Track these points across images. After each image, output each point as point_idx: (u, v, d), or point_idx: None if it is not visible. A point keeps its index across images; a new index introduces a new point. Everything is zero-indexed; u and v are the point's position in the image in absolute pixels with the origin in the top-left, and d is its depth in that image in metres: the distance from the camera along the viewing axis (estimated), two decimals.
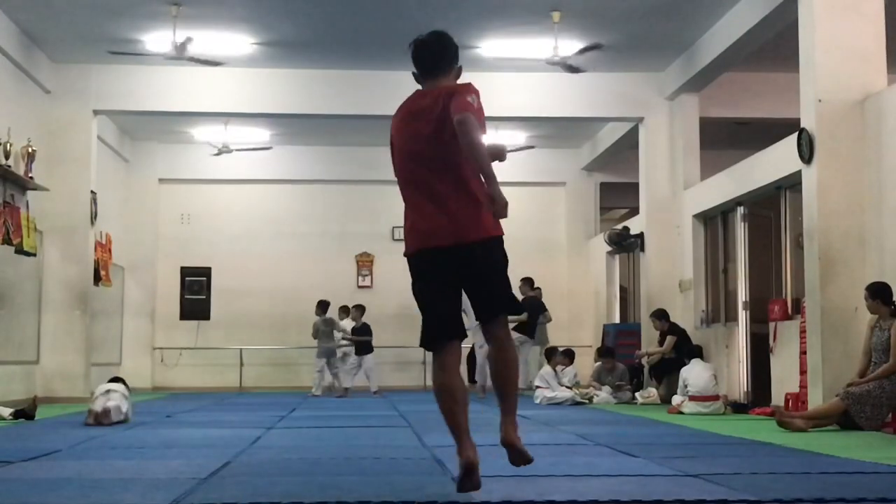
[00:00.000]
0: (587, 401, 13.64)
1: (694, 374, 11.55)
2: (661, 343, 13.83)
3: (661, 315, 13.92)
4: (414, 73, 4.98)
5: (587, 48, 12.57)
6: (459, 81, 4.93)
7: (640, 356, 14.37)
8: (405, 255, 4.77)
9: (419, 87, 4.98)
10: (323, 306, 16.50)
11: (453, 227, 4.58)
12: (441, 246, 4.59)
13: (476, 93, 4.73)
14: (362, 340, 16.48)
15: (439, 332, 4.65)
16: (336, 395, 16.24)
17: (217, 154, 17.81)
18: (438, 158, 4.64)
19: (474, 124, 4.50)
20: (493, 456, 6.18)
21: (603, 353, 14.99)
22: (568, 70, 13.09)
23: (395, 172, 4.85)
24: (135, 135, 19.02)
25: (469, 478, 4.47)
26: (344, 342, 16.66)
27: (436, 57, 4.91)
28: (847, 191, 9.85)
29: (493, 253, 4.67)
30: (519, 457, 4.76)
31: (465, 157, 4.55)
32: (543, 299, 16.66)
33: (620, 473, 5.38)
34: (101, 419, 8.96)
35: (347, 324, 16.74)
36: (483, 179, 4.49)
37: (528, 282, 16.24)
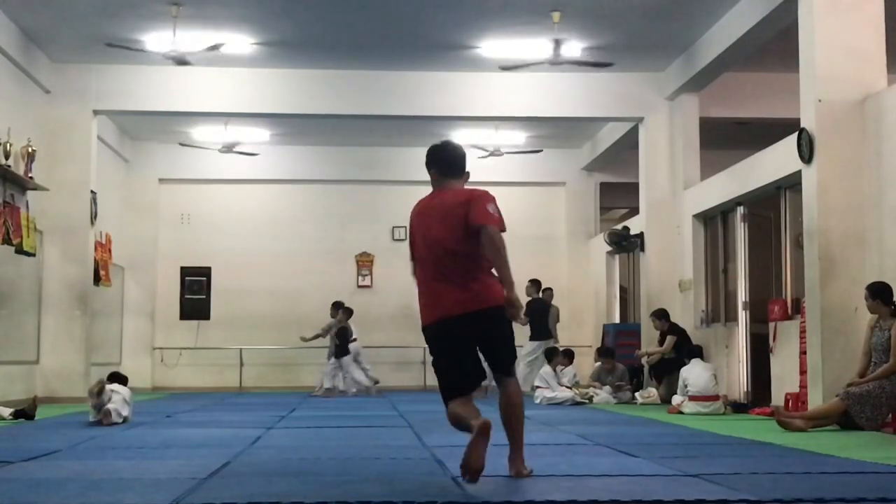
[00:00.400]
0: (587, 401, 13.64)
1: (694, 374, 11.55)
2: (661, 343, 13.83)
3: (661, 315, 13.92)
4: (431, 172, 5.63)
5: (597, 63, 12.70)
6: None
7: (641, 356, 14.37)
8: (423, 328, 5.38)
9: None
10: (338, 307, 16.62)
11: (470, 298, 5.24)
12: (456, 314, 5.23)
13: (493, 200, 5.41)
14: (340, 344, 16.46)
15: (460, 390, 5.26)
16: (318, 394, 16.24)
17: (226, 151, 17.78)
18: (453, 254, 5.29)
19: (498, 237, 5.25)
20: (494, 456, 6.19)
21: (603, 353, 14.99)
22: (598, 66, 13.12)
23: (411, 256, 5.53)
24: (134, 134, 19.02)
25: (482, 437, 4.85)
26: (357, 343, 16.67)
27: (451, 163, 5.61)
28: (847, 191, 9.85)
29: (503, 319, 5.30)
30: (524, 476, 5.22)
31: (487, 257, 5.28)
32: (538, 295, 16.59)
33: (620, 473, 5.38)
34: (102, 420, 8.96)
35: (331, 322, 16.77)
36: (503, 284, 5.22)
37: (535, 284, 16.23)
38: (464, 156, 5.68)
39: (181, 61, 12.71)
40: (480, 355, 5.38)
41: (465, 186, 5.57)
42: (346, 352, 16.49)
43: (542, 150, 18.84)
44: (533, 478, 5.13)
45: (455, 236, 5.28)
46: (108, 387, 9.33)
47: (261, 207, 20.18)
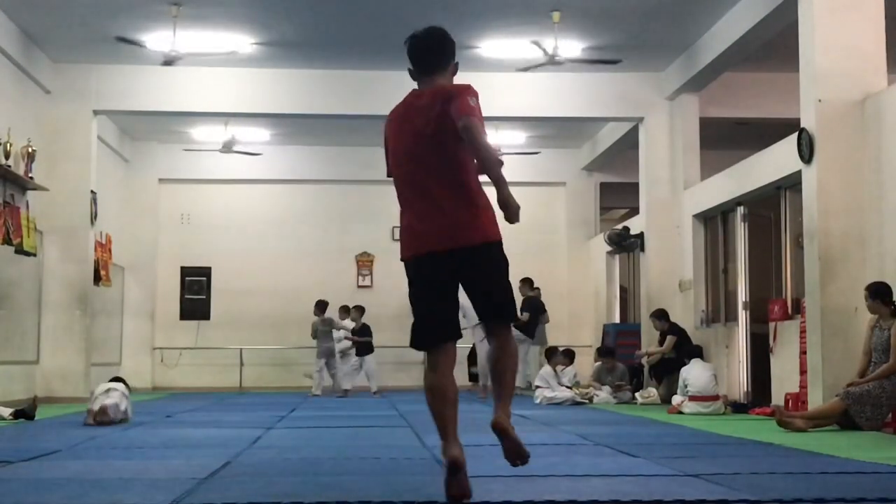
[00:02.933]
0: (587, 401, 13.64)
1: (694, 374, 11.54)
2: (661, 343, 13.83)
3: (660, 315, 13.92)
4: (410, 70, 4.91)
5: (608, 60, 12.68)
6: (456, 80, 4.85)
7: (640, 356, 14.37)
8: (402, 259, 4.68)
9: (416, 85, 4.91)
10: (321, 306, 16.52)
11: (451, 231, 4.50)
12: (438, 251, 4.51)
13: (476, 94, 4.62)
14: (363, 341, 16.50)
15: (433, 333, 4.57)
16: (336, 395, 16.23)
17: (226, 151, 17.77)
18: (436, 159, 4.57)
19: (480, 129, 4.46)
20: (493, 456, 6.18)
21: (603, 353, 14.99)
22: (608, 62, 13.09)
23: (388, 172, 4.81)
24: (134, 134, 19.03)
25: (454, 476, 4.31)
26: (346, 341, 16.68)
27: (434, 54, 4.83)
28: (847, 191, 9.85)
29: (494, 257, 4.61)
30: (513, 448, 4.60)
31: (472, 159, 4.55)
32: (543, 299, 16.66)
33: (620, 473, 5.38)
34: (100, 418, 8.95)
35: (348, 324, 16.76)
36: (492, 183, 4.52)
37: (527, 282, 16.25)
38: (447, 42, 4.84)
39: (168, 61, 12.71)
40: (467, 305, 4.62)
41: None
42: (370, 349, 16.55)
43: (539, 152, 18.83)
44: (533, 478, 5.13)
45: (434, 142, 4.52)
46: (106, 386, 9.35)
47: (261, 207, 20.17)
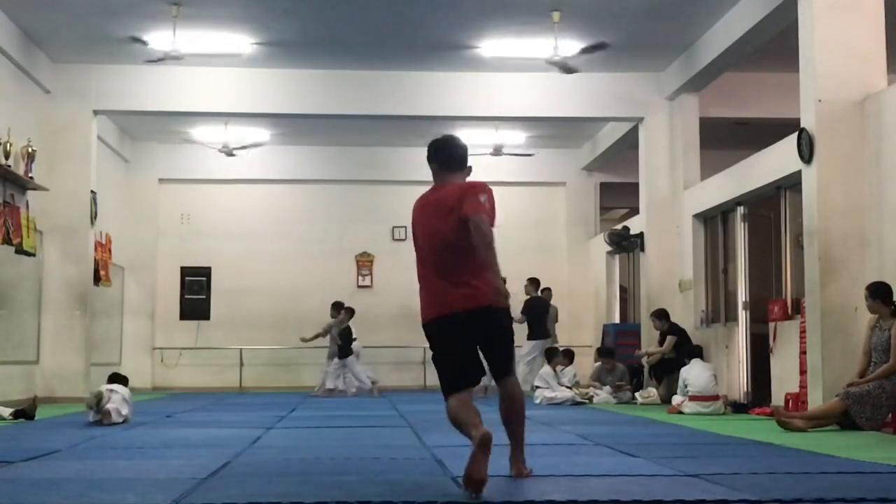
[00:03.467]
0: (587, 401, 13.64)
1: (694, 374, 11.54)
2: (661, 343, 13.82)
3: (661, 315, 13.91)
4: (432, 167, 5.59)
5: (593, 47, 12.54)
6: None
7: (640, 356, 14.37)
8: (424, 324, 5.29)
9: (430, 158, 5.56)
10: (338, 308, 16.63)
11: (472, 296, 5.16)
12: (459, 311, 5.16)
13: (488, 192, 5.27)
14: (340, 345, 16.45)
15: (463, 383, 5.18)
16: (318, 394, 16.24)
17: (230, 154, 17.77)
18: (459, 245, 5.20)
19: (485, 225, 5.15)
20: (493, 456, 6.18)
21: (603, 353, 14.98)
22: (564, 71, 13.04)
23: (416, 252, 5.42)
24: (134, 134, 19.03)
25: (484, 451, 4.66)
26: (310, 337, 16.71)
27: (453, 155, 5.55)
28: (847, 191, 9.85)
29: (505, 319, 5.35)
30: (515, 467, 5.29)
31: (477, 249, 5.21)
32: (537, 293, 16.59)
33: (620, 473, 5.38)
34: (105, 420, 8.97)
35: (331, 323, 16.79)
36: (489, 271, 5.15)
37: (534, 282, 16.23)
38: (464, 149, 5.60)
39: (160, 59, 12.72)
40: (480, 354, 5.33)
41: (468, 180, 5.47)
42: (349, 352, 16.49)
43: (534, 154, 18.83)
44: (533, 478, 5.13)
45: (452, 229, 5.20)
46: (108, 387, 9.33)
47: (261, 207, 20.18)
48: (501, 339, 5.32)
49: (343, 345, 16.45)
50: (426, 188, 5.67)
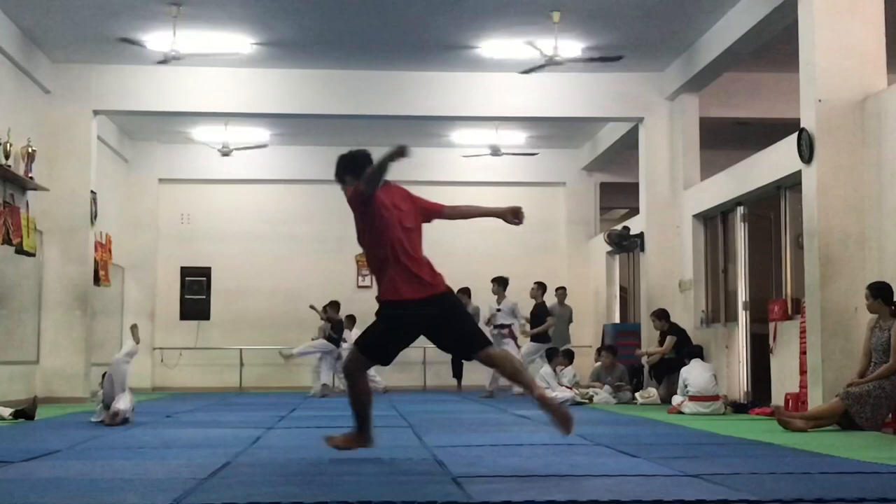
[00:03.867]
0: (587, 401, 13.64)
1: (694, 374, 11.54)
2: (661, 343, 13.82)
3: (661, 315, 13.91)
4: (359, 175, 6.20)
5: (607, 58, 12.66)
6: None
7: (641, 355, 14.38)
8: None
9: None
10: (335, 307, 16.65)
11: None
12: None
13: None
14: (333, 337, 16.49)
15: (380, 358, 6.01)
16: (317, 395, 16.23)
17: (226, 154, 17.77)
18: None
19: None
20: (494, 456, 6.18)
21: (604, 348, 14.94)
22: (609, 60, 13.08)
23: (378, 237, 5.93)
24: (134, 134, 19.03)
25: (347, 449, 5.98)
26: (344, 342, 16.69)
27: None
28: (847, 191, 9.85)
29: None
30: (559, 414, 5.61)
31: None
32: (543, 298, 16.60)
33: (620, 473, 5.37)
34: (110, 421, 8.97)
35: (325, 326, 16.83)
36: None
37: (541, 287, 16.21)
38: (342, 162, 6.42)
39: (164, 60, 12.73)
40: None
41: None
42: (338, 343, 16.49)
43: (537, 153, 18.84)
44: (533, 478, 5.13)
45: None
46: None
47: (261, 207, 20.17)
48: (465, 317, 6.06)
49: (335, 336, 16.46)
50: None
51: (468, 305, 16.70)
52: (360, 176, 6.00)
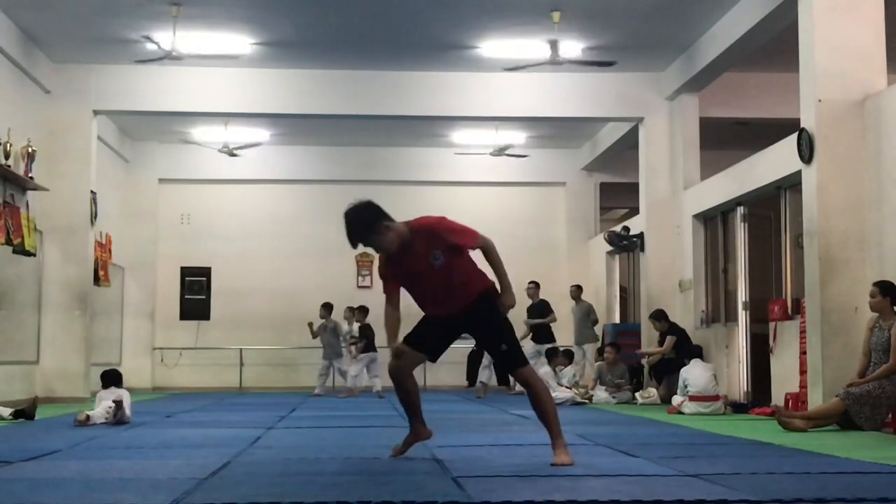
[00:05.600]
0: (587, 401, 13.64)
1: (694, 375, 11.53)
2: (660, 343, 13.82)
3: (659, 316, 13.91)
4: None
5: (601, 62, 12.64)
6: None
7: (641, 355, 14.37)
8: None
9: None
10: (328, 308, 16.61)
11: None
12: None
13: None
14: (363, 342, 16.44)
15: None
16: (342, 394, 16.20)
17: (232, 155, 17.78)
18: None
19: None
20: (494, 456, 6.18)
21: (608, 344, 14.92)
22: (603, 65, 13.08)
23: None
24: (134, 134, 19.03)
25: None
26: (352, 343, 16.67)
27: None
28: (847, 191, 9.85)
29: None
30: (558, 457, 5.68)
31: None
32: (542, 298, 16.61)
33: (620, 473, 5.37)
34: (112, 419, 9.02)
35: (345, 327, 16.74)
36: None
37: (536, 286, 16.24)
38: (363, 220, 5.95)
39: (153, 59, 12.75)
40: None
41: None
42: (370, 348, 16.42)
43: (528, 156, 18.81)
44: (533, 478, 5.13)
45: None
46: (110, 401, 9.33)
47: (261, 207, 20.18)
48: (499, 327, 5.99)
49: (369, 343, 16.37)
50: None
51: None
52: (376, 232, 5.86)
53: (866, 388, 8.54)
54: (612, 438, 7.56)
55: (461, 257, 5.95)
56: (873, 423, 8.47)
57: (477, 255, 6.01)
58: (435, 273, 5.85)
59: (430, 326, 6.03)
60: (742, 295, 13.08)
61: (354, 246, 5.93)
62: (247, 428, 8.84)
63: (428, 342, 6.03)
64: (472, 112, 15.60)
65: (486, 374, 15.43)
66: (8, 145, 12.50)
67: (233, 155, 17.82)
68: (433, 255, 5.84)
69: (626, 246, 16.48)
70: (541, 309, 16.02)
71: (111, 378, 9.64)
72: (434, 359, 6.11)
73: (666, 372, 13.45)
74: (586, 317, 16.61)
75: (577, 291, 16.97)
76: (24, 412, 10.05)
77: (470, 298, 5.88)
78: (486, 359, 15.61)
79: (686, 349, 12.70)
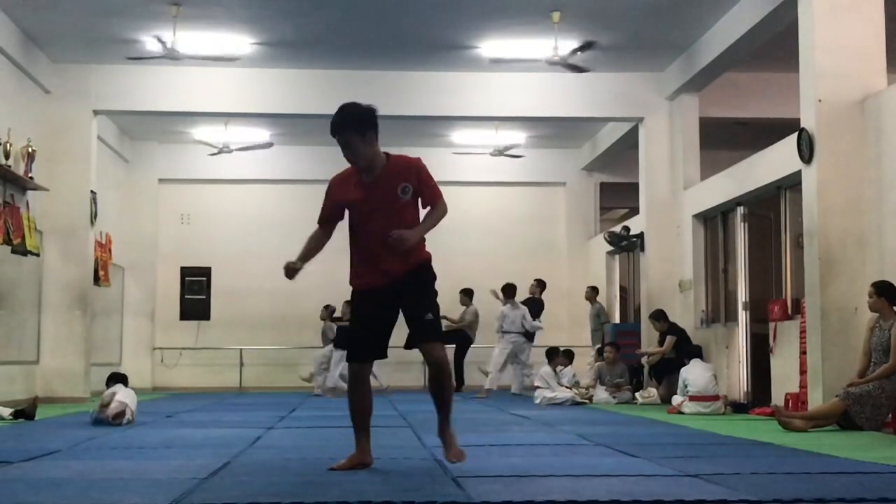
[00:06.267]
0: (587, 401, 13.64)
1: (694, 375, 11.53)
2: (660, 343, 13.82)
3: (659, 316, 13.91)
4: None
5: (582, 47, 12.55)
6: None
7: (641, 355, 14.37)
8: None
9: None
10: (331, 311, 16.66)
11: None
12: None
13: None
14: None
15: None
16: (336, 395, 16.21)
17: (216, 153, 17.80)
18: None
19: None
20: (494, 456, 6.18)
21: (608, 343, 14.92)
22: (573, 70, 13.07)
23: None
24: (134, 134, 19.03)
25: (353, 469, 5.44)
26: None
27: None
28: (847, 191, 9.85)
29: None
30: (450, 450, 5.56)
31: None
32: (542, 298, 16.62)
33: (620, 473, 5.37)
34: (117, 420, 9.00)
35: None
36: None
37: (540, 284, 16.25)
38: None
39: (153, 59, 12.75)
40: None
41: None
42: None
43: (523, 156, 18.81)
44: (533, 478, 5.13)
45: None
46: (119, 398, 9.33)
47: (261, 207, 20.17)
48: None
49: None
50: None
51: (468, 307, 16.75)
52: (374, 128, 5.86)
53: (866, 388, 8.55)
54: (612, 438, 7.56)
55: (415, 209, 5.64)
56: (873, 423, 8.47)
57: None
58: (393, 213, 5.53)
59: (367, 318, 5.59)
60: (742, 295, 13.08)
61: (336, 133, 5.84)
62: (247, 428, 8.84)
63: (372, 343, 5.58)
64: (472, 112, 15.60)
65: (493, 380, 15.51)
66: (8, 145, 12.50)
67: (216, 154, 17.79)
68: (403, 189, 5.59)
69: (626, 246, 16.47)
70: (535, 309, 16.01)
71: (117, 378, 9.66)
72: (385, 355, 5.65)
73: (666, 372, 13.44)
74: (596, 318, 16.63)
75: (591, 293, 16.98)
76: (25, 412, 10.06)
77: (414, 261, 5.52)
78: (493, 366, 15.66)
79: (686, 349, 12.71)
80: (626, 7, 12.37)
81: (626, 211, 21.82)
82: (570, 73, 14.50)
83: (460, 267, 18.30)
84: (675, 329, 13.76)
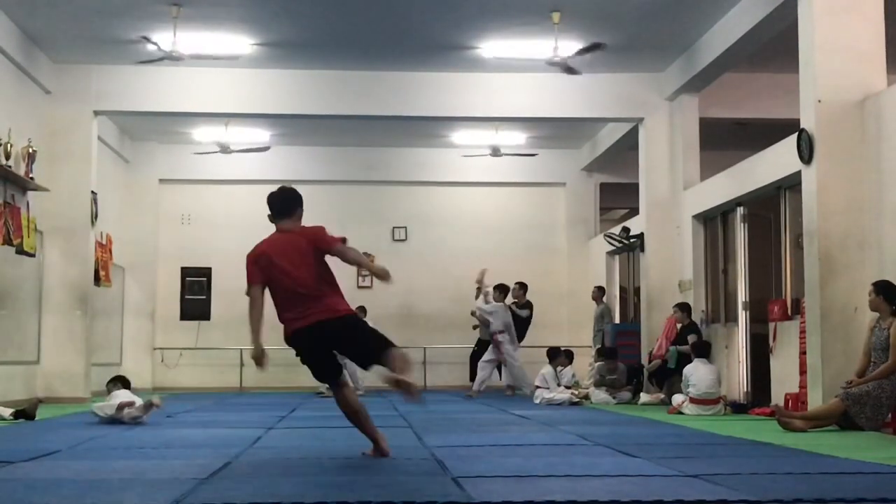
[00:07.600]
0: (584, 399, 13.64)
1: (698, 375, 11.46)
2: (678, 336, 13.57)
3: (685, 307, 13.74)
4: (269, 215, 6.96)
5: (588, 48, 12.55)
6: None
7: (658, 357, 14.02)
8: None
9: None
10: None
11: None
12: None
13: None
14: None
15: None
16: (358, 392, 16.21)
17: (207, 154, 17.81)
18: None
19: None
20: (494, 456, 6.19)
21: (605, 353, 14.93)
22: (566, 72, 13.08)
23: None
24: (135, 135, 19.03)
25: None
26: None
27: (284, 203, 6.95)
28: (847, 191, 9.85)
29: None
30: (410, 390, 5.88)
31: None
32: (542, 299, 16.61)
33: (620, 473, 5.38)
34: (126, 418, 9.05)
35: None
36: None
37: (522, 287, 16.22)
38: (292, 198, 6.91)
39: (153, 60, 12.75)
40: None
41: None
42: None
43: (536, 154, 18.84)
44: (533, 478, 5.13)
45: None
46: (126, 400, 9.35)
47: (261, 207, 19.74)
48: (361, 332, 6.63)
49: None
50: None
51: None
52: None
53: (866, 388, 8.55)
54: (612, 438, 7.56)
55: (326, 267, 6.75)
56: (873, 423, 8.47)
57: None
58: (314, 268, 6.79)
59: (310, 353, 6.89)
60: (742, 295, 13.08)
61: (281, 211, 6.94)
62: (247, 428, 8.85)
63: (326, 368, 6.81)
64: (472, 112, 15.59)
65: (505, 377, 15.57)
66: (8, 145, 12.51)
67: (200, 154, 17.79)
68: (316, 249, 6.70)
69: (627, 246, 16.46)
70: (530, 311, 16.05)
71: (120, 380, 9.69)
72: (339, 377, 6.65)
73: (665, 377, 13.44)
74: (600, 319, 16.62)
75: (597, 293, 16.96)
76: (25, 412, 10.07)
77: (340, 308, 6.64)
78: (502, 369, 15.69)
79: (694, 345, 12.52)
80: (625, 7, 12.37)
81: (626, 211, 21.83)
82: (568, 75, 14.52)
83: (460, 267, 18.32)
84: (695, 328, 13.53)
